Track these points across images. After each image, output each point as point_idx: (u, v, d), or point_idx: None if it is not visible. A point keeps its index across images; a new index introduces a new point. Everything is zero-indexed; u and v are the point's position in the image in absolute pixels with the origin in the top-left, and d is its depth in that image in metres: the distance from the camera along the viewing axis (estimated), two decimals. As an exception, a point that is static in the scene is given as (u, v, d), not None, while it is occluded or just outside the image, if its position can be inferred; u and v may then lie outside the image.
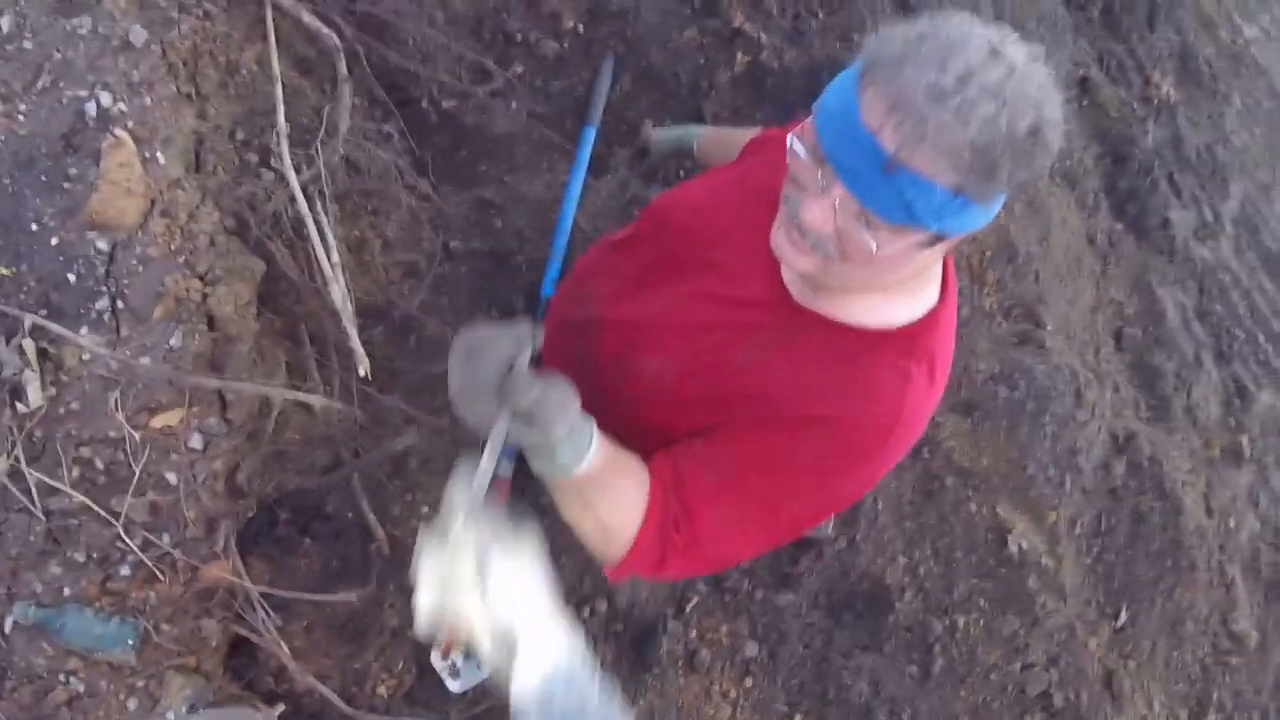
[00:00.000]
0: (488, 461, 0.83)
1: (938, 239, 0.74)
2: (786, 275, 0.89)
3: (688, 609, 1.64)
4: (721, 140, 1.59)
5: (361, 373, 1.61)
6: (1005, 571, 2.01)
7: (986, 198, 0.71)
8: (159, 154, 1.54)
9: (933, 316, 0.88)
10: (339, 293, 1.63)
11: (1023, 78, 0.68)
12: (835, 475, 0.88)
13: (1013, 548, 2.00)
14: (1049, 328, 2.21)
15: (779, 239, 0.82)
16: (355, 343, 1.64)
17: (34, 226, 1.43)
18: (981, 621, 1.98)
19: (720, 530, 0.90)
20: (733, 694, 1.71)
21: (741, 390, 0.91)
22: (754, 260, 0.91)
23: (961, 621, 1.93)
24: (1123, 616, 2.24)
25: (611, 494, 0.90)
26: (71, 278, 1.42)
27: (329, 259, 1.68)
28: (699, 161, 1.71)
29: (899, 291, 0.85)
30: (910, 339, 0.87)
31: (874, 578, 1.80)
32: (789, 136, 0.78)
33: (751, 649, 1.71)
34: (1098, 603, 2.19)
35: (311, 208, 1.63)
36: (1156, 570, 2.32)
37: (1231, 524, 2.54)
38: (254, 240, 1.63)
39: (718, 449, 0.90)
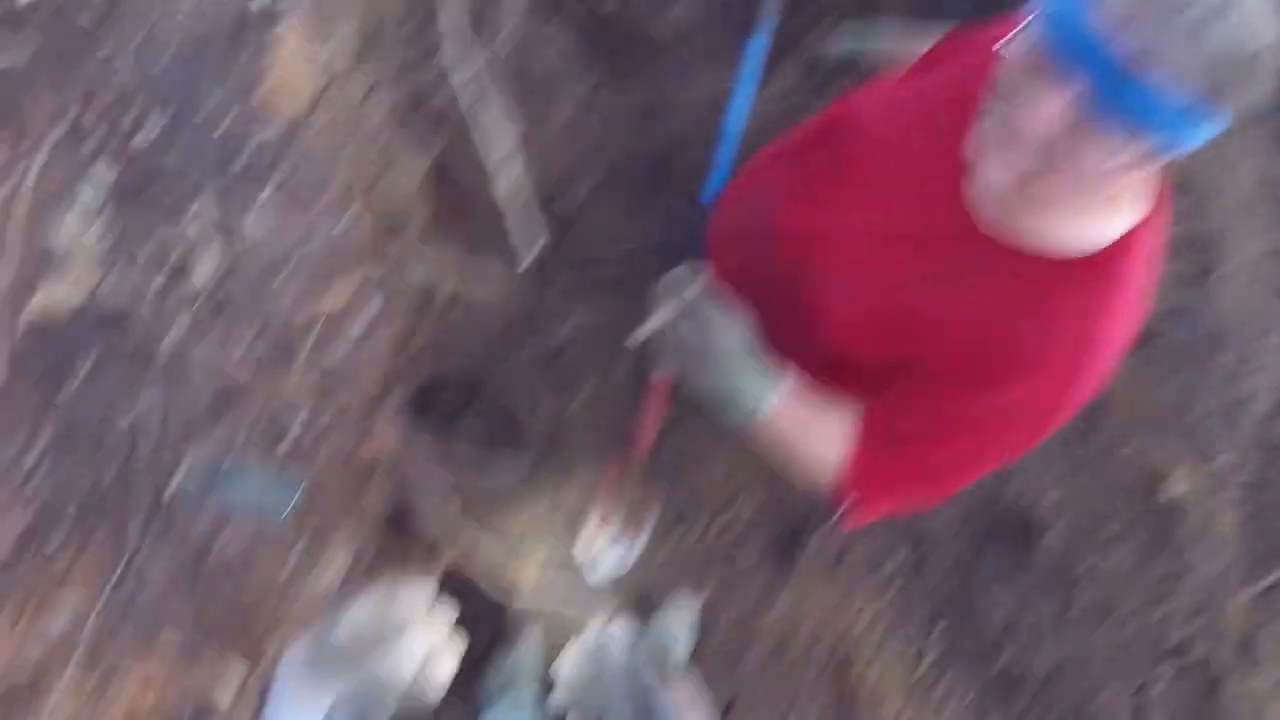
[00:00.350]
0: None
1: (1156, 154, 0.70)
2: (973, 197, 0.85)
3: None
4: (901, 46, 1.53)
5: (526, 261, 1.64)
6: (1156, 517, 1.93)
7: (1214, 114, 0.68)
8: (328, 43, 1.58)
9: (1133, 238, 0.83)
10: (504, 184, 1.67)
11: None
12: (1039, 417, 0.89)
13: (1167, 493, 1.92)
14: (1225, 268, 2.07)
15: (979, 149, 0.79)
16: (520, 233, 1.67)
17: (203, 112, 1.49)
18: (1126, 565, 1.91)
19: (925, 468, 0.95)
20: (875, 601, 1.71)
21: (927, 324, 0.89)
22: (936, 180, 0.87)
23: (1106, 563, 1.88)
24: (1271, 577, 2.13)
25: (812, 430, 0.97)
26: (239, 162, 1.48)
27: (494, 151, 1.71)
28: (876, 68, 1.65)
29: (1098, 213, 0.81)
30: (1107, 265, 0.82)
31: (1023, 508, 1.76)
32: (1001, 42, 0.74)
33: (900, 555, 1.71)
34: (1247, 560, 2.09)
35: (476, 102, 1.65)
36: (1312, 535, 2.20)
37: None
38: (421, 129, 1.67)
39: (917, 401, 0.92)
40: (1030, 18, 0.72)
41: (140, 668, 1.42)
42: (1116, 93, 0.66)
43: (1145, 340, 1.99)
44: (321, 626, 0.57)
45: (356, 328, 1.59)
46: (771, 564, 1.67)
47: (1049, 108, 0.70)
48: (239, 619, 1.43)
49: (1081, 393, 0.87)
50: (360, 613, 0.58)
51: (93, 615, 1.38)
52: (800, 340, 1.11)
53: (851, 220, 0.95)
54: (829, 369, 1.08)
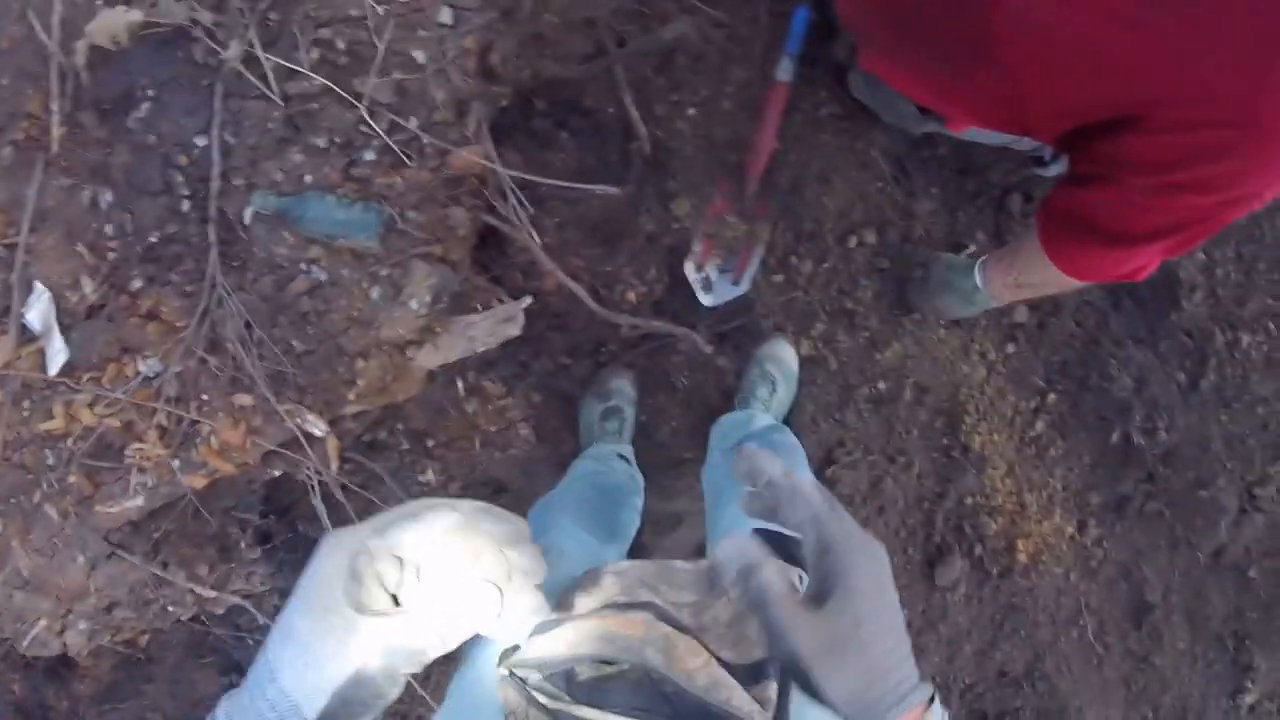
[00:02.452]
0: None
1: None
2: None
3: (962, 255, 1.49)
4: None
5: None
6: (1306, 299, 1.75)
7: None
8: None
9: None
10: None
11: None
12: (1241, 204, 0.78)
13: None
14: None
15: None
16: None
17: None
18: (1265, 347, 1.75)
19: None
20: (991, 356, 1.59)
21: (1136, 58, 0.73)
22: None
23: (1245, 340, 1.71)
24: None
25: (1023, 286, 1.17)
26: None
27: None
28: None
29: None
30: None
31: (1167, 267, 1.58)
32: None
33: (1021, 314, 1.56)
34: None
35: None
36: None
37: None
38: None
39: (1115, 195, 0.85)
40: None
41: (226, 406, 1.38)
42: None
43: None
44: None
45: (442, 21, 1.42)
46: (887, 306, 1.54)
47: None
48: (323, 357, 1.37)
49: None
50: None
51: (177, 356, 1.33)
52: (964, 59, 0.93)
53: None
54: (1004, 109, 0.94)
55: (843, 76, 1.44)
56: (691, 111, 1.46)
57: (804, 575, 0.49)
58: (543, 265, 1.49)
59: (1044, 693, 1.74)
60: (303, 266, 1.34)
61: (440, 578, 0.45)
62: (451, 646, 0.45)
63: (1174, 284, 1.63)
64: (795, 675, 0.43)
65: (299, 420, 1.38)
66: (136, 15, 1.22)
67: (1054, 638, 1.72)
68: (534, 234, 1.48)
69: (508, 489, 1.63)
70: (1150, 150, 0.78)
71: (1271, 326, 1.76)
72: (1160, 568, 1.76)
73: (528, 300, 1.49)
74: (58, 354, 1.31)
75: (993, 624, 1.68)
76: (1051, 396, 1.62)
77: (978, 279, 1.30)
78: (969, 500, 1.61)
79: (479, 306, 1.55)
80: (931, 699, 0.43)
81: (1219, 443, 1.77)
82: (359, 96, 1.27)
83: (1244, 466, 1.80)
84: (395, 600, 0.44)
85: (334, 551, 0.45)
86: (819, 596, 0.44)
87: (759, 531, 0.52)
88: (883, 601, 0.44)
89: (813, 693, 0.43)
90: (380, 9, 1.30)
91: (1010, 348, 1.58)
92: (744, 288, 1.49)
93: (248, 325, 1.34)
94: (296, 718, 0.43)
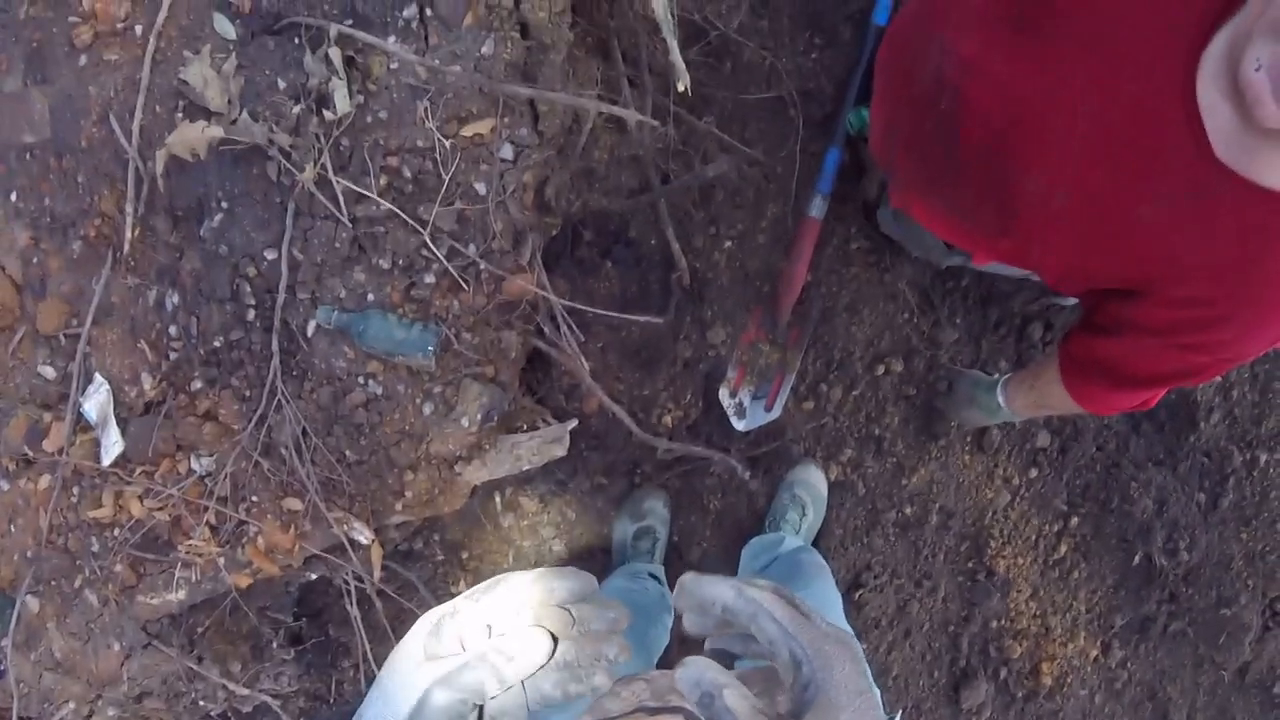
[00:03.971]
0: None
1: None
2: (1215, 123, 0.69)
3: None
4: None
5: (680, 88, 1.49)
6: (1323, 418, 1.79)
7: None
8: None
9: None
10: (659, 3, 1.52)
11: None
12: (1238, 360, 0.86)
13: (1339, 393, 1.77)
14: None
15: (1267, 52, 0.62)
16: (675, 56, 1.51)
17: None
18: (1282, 466, 1.79)
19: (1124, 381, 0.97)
20: (1015, 480, 1.62)
21: (1139, 247, 0.79)
22: (1156, 76, 0.72)
23: (1263, 459, 1.74)
24: None
25: (1043, 407, 1.22)
26: None
27: None
28: None
29: None
30: None
31: (1184, 391, 1.63)
32: None
33: (1044, 439, 1.60)
34: None
35: None
36: None
37: None
38: None
39: (1128, 348, 0.91)
40: None
41: (276, 509, 1.41)
42: None
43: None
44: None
45: (498, 161, 1.48)
46: (913, 432, 1.58)
47: None
48: (372, 469, 1.41)
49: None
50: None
51: (232, 457, 1.37)
52: (988, 223, 1.00)
53: (1061, 91, 0.78)
54: (1019, 258, 1.00)
55: (871, 214, 1.51)
56: (729, 244, 1.52)
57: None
58: (589, 390, 1.53)
59: (1069, 815, 1.73)
60: (360, 380, 1.40)
61: (502, 624, 0.48)
62: (511, 683, 0.48)
63: (1191, 407, 1.67)
64: None
65: (347, 527, 1.42)
66: (217, 131, 1.28)
67: (1080, 760, 1.72)
68: (581, 357, 1.54)
69: (538, 602, 1.65)
70: (1154, 318, 0.85)
71: (1287, 446, 1.80)
72: (1185, 687, 1.76)
73: (574, 423, 1.54)
74: (113, 445, 1.36)
75: (1018, 747, 1.69)
76: (1074, 520, 1.65)
77: (1000, 397, 1.35)
78: (994, 624, 1.62)
79: (524, 426, 1.59)
80: None
81: (1240, 560, 1.79)
82: (423, 223, 1.33)
83: (1265, 583, 1.82)
84: (462, 646, 0.48)
85: (423, 621, 0.50)
86: (795, 713, 0.42)
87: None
88: (861, 707, 0.42)
89: None
90: (447, 143, 1.37)
91: (1033, 472, 1.62)
92: (776, 413, 1.53)
93: (304, 432, 1.37)
94: None
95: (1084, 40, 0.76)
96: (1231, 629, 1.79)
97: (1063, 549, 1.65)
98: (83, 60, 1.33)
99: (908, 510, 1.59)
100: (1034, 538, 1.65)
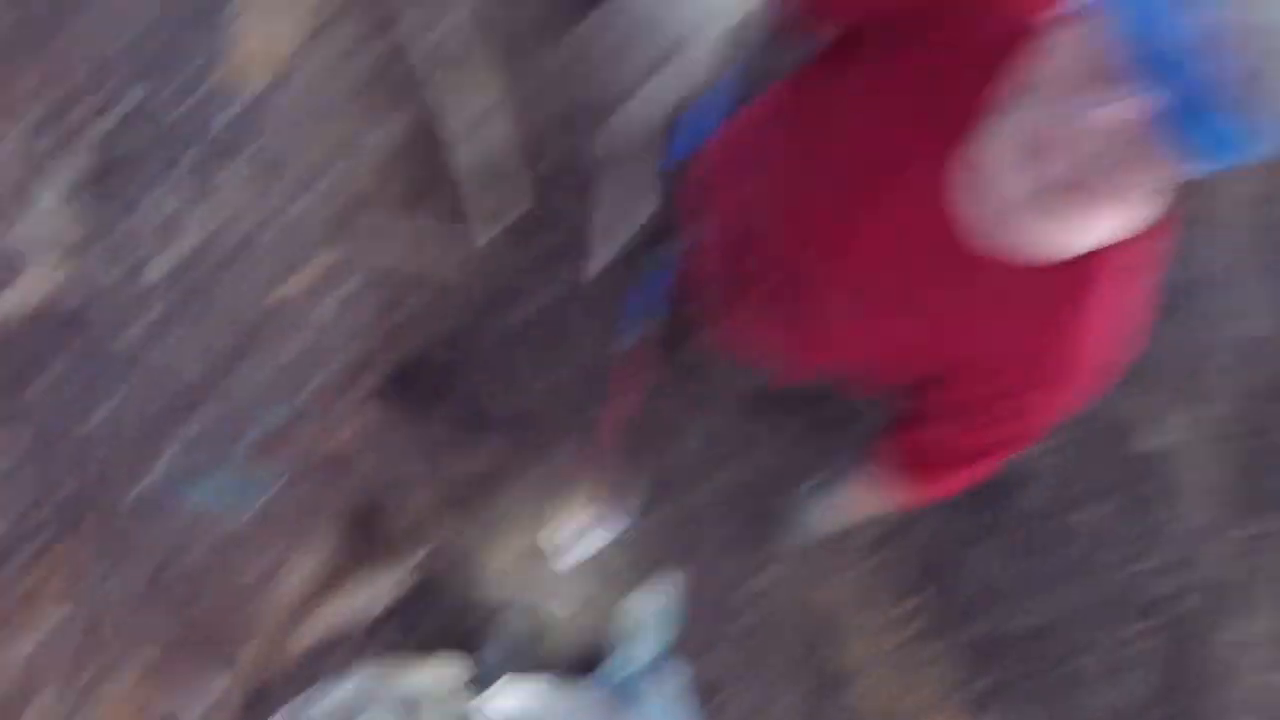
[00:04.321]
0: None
1: (1203, 171, 0.64)
2: (965, 203, 0.77)
3: (817, 482, 1.61)
4: None
5: (499, 228, 1.55)
6: (1134, 469, 1.90)
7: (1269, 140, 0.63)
8: (290, 13, 1.48)
9: (1139, 235, 0.77)
10: (475, 149, 1.57)
11: None
12: (1051, 418, 0.91)
13: (1145, 445, 1.90)
14: (1203, 217, 2.03)
15: (994, 152, 0.71)
16: (493, 199, 1.57)
17: (163, 94, 1.39)
18: (1105, 520, 1.90)
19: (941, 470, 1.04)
20: (852, 573, 1.68)
21: (929, 341, 0.87)
22: (921, 180, 0.80)
23: (1085, 518, 1.86)
24: (1252, 527, 2.12)
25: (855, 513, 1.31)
26: (201, 143, 1.38)
27: (460, 117, 1.61)
28: None
29: (1108, 215, 0.74)
30: (1112, 265, 0.77)
31: (1008, 465, 1.72)
32: (1052, 32, 0.66)
33: (874, 531, 1.67)
34: (1228, 510, 2.07)
35: (446, 65, 1.56)
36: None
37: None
38: (390, 98, 1.57)
39: (939, 433, 0.97)
40: (1090, 7, 0.63)
41: (116, 680, 1.37)
42: (1196, 115, 0.59)
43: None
44: (304, 701, 0.52)
45: (325, 311, 1.52)
46: (752, 539, 1.63)
47: (1109, 119, 0.62)
48: (212, 626, 1.38)
49: (1089, 392, 0.86)
50: (343, 692, 0.53)
51: (68, 627, 1.33)
52: (792, 341, 1.08)
53: (836, 223, 0.87)
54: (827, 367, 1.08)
55: (690, 334, 1.58)
56: (555, 378, 1.57)
57: None
58: (421, 542, 1.54)
59: None
60: (188, 543, 1.39)
61: None
62: None
63: (1006, 480, 1.77)
64: None
65: (188, 699, 1.39)
66: (44, 288, 1.27)
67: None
68: (408, 504, 1.54)
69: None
70: (959, 399, 0.91)
71: (1108, 498, 1.92)
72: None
73: (407, 570, 1.55)
74: None
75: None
76: (914, 602, 1.72)
77: (832, 505, 1.40)
78: (845, 716, 1.67)
79: (363, 577, 1.58)
80: None
81: (1083, 616, 1.89)
82: (248, 379, 1.34)
83: (1112, 632, 1.92)
84: None
85: None
86: None
87: None
88: None
89: None
90: (267, 298, 1.39)
91: (867, 564, 1.69)
92: (607, 540, 1.56)
93: (139, 600, 1.35)
94: None
95: (848, 168, 0.85)
96: (1084, 679, 1.87)
97: (906, 633, 1.71)
98: None
99: (749, 617, 1.63)
100: (879, 624, 1.71)
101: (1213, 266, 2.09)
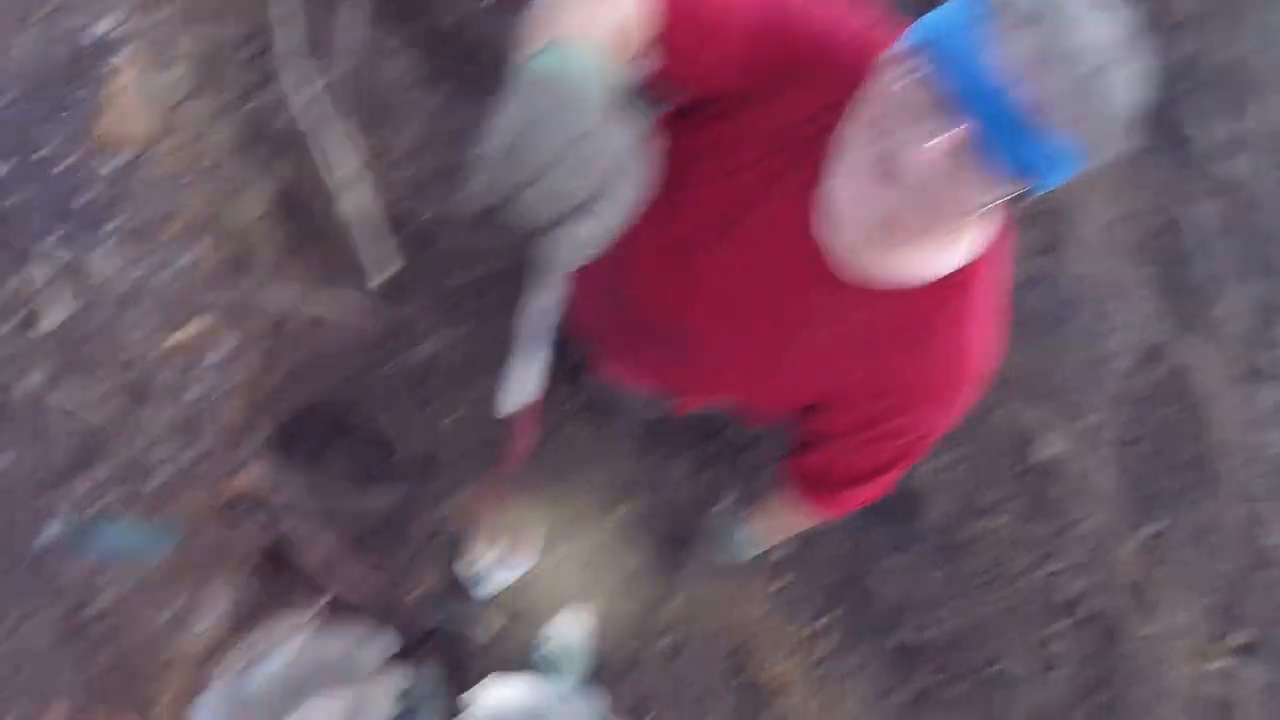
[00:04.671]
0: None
1: (1026, 193, 0.73)
2: (824, 234, 0.84)
3: (723, 508, 1.65)
4: None
5: (377, 282, 1.60)
6: (1034, 478, 2.00)
7: (1094, 162, 0.71)
8: (165, 71, 1.53)
9: (986, 252, 0.85)
10: (350, 206, 1.63)
11: (1139, 53, 0.69)
12: (930, 434, 0.96)
13: (1041, 454, 1.99)
14: (1076, 235, 2.18)
15: (839, 185, 0.79)
16: (369, 254, 1.63)
17: (43, 152, 1.43)
18: (1009, 528, 1.97)
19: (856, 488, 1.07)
20: (764, 592, 1.72)
21: (804, 375, 0.92)
22: (783, 216, 0.86)
23: (989, 527, 1.93)
24: (1152, 526, 2.23)
25: (784, 530, 1.35)
26: (82, 200, 1.42)
27: (338, 174, 1.68)
28: None
29: (952, 240, 0.82)
30: (963, 283, 0.84)
31: (902, 482, 1.79)
32: (878, 74, 0.73)
33: (783, 550, 1.72)
34: (1127, 512, 2.17)
35: (318, 124, 1.62)
36: (1184, 481, 2.31)
37: (1258, 439, 2.52)
38: (265, 155, 1.63)
39: (833, 454, 1.01)
40: (909, 50, 0.71)
41: None
42: (1009, 140, 0.67)
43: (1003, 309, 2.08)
44: (236, 678, 0.53)
45: (212, 362, 1.54)
46: (660, 565, 1.66)
47: (933, 148, 0.69)
48: (124, 674, 1.36)
49: (965, 403, 0.92)
50: (275, 665, 0.54)
51: None
52: (675, 378, 1.14)
53: (701, 283, 0.92)
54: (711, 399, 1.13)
55: (582, 372, 1.63)
56: (448, 420, 1.61)
57: None
58: (327, 577, 1.54)
59: None
60: (95, 591, 1.36)
61: None
62: None
63: (912, 494, 1.85)
64: None
65: None
66: None
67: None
68: (307, 551, 1.53)
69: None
70: (844, 423, 0.96)
71: (1010, 507, 2.00)
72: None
73: (316, 608, 1.54)
74: None
75: None
76: (830, 618, 1.76)
77: (743, 533, 1.43)
78: (769, 734, 1.69)
79: (274, 616, 1.57)
80: None
81: (997, 621, 1.94)
82: (141, 429, 1.34)
83: (1027, 634, 1.98)
84: None
85: None
86: None
87: None
88: None
89: None
90: (156, 350, 1.41)
91: (779, 582, 1.73)
92: (521, 571, 1.58)
93: (48, 653, 1.32)
94: None
95: (700, 216, 0.89)
96: (1007, 683, 1.92)
97: (824, 647, 1.75)
98: None
99: (668, 640, 1.65)
100: (795, 640, 1.74)
101: (1094, 284, 2.24)
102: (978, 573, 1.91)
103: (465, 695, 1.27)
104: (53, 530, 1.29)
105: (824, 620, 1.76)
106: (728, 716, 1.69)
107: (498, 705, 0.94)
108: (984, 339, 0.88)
